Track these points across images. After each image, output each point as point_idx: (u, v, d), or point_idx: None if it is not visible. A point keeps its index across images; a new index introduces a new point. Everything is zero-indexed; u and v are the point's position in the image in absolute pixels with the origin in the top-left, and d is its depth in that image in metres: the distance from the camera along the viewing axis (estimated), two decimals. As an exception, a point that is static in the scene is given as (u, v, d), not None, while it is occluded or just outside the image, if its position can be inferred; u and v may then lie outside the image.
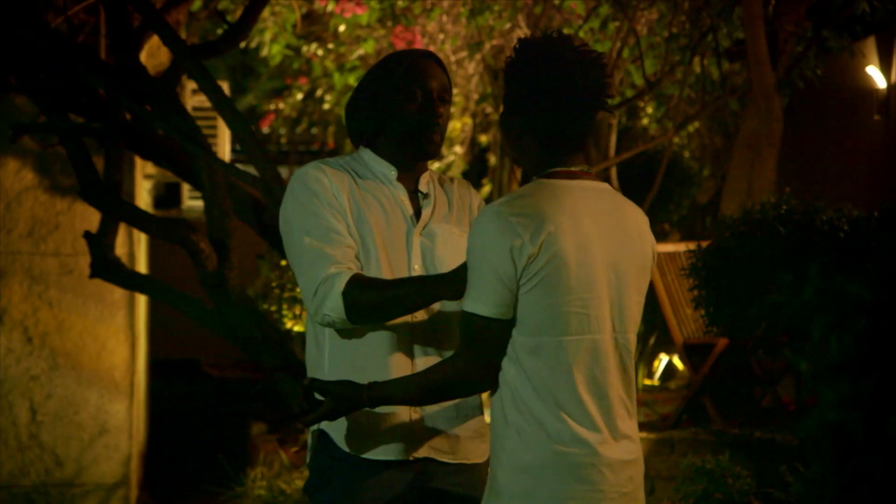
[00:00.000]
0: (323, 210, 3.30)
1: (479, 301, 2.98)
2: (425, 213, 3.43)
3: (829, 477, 2.44)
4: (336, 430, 3.33)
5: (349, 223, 3.32)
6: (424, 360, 3.34)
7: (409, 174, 3.45)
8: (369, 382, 3.12)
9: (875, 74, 10.22)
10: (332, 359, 3.35)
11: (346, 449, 3.32)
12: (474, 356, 3.02)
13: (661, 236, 12.09)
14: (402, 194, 3.42)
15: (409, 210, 3.42)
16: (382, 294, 3.24)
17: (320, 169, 3.36)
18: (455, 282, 3.18)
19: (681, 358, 8.36)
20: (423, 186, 3.47)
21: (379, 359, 3.31)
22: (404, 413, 3.32)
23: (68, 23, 6.48)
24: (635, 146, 9.96)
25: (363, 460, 3.32)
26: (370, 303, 3.24)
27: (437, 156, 3.47)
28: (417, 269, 3.37)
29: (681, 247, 8.48)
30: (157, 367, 9.89)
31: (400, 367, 3.32)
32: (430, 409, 3.35)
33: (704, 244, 6.47)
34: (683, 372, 9.85)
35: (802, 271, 5.48)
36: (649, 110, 11.68)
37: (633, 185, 11.78)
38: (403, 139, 3.40)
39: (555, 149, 3.08)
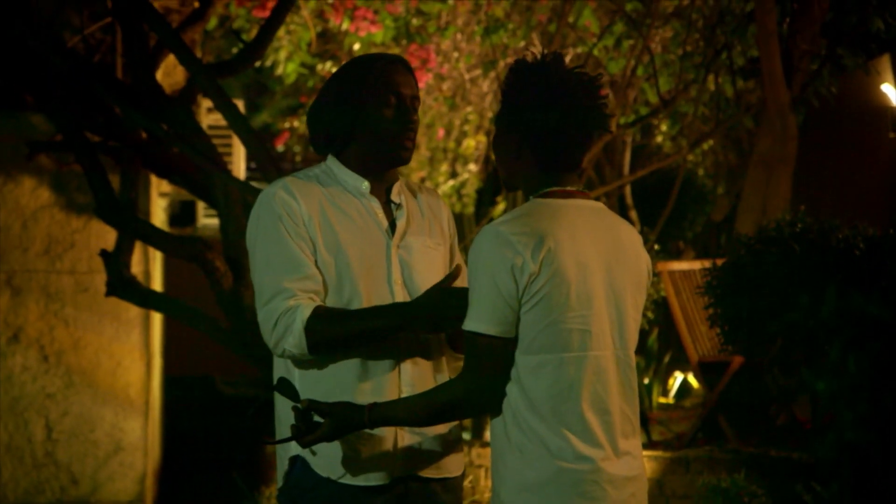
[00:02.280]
0: (287, 237, 3.22)
1: (483, 320, 2.97)
2: (400, 224, 3.35)
3: (848, 496, 2.43)
4: (311, 453, 3.25)
5: (317, 246, 3.24)
6: (412, 381, 3.28)
7: (381, 183, 3.36)
8: (370, 404, 3.07)
9: (890, 92, 10.21)
10: (303, 384, 3.26)
11: (323, 473, 3.24)
12: (481, 376, 3.00)
13: (675, 254, 12.08)
14: (376, 206, 3.34)
15: (384, 223, 3.33)
16: (346, 327, 3.18)
17: (288, 190, 3.26)
18: (422, 311, 3.15)
19: (696, 376, 8.34)
20: (394, 196, 3.38)
21: (355, 384, 3.25)
22: (388, 433, 3.25)
23: (85, 42, 6.52)
24: (650, 164, 9.96)
25: (341, 486, 3.24)
26: (333, 337, 3.18)
27: (408, 161, 3.38)
28: (398, 283, 3.29)
29: (696, 265, 8.46)
30: (172, 384, 9.89)
31: (384, 389, 3.26)
32: (413, 430, 3.27)
33: (719, 262, 6.46)
34: (699, 390, 9.83)
35: (818, 290, 5.48)
36: (664, 128, 11.68)
37: (648, 202, 11.79)
38: (377, 144, 3.32)
39: (551, 168, 3.07)
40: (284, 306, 3.19)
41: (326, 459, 3.24)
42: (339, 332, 3.18)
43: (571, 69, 3.06)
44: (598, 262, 3.04)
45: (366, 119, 3.31)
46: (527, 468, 2.99)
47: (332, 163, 3.38)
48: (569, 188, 3.08)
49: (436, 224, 3.44)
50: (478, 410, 3.09)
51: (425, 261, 3.36)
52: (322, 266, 3.26)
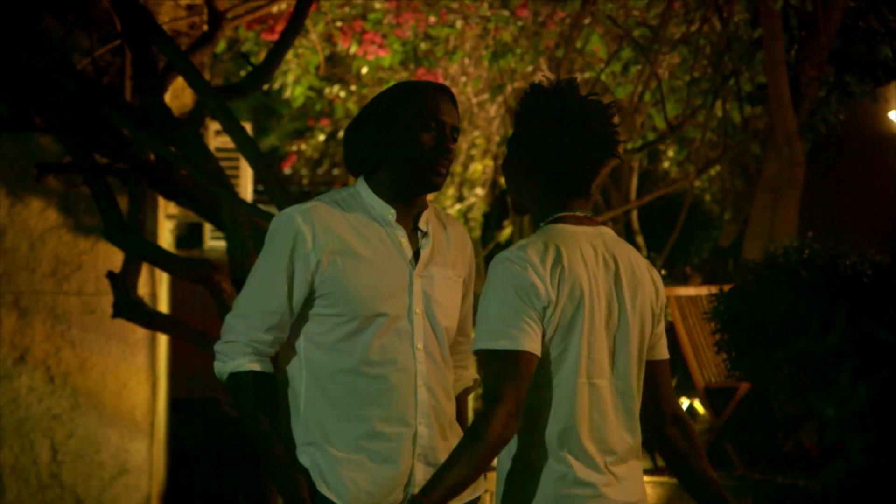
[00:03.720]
0: (280, 274, 3.25)
1: (508, 336, 2.91)
2: (424, 253, 3.34)
3: (857, 523, 2.42)
4: (317, 473, 3.27)
5: (318, 278, 3.25)
6: (428, 398, 3.29)
7: (409, 209, 3.35)
8: (418, 493, 2.91)
9: (897, 119, 10.21)
10: (308, 405, 3.30)
11: (331, 497, 3.25)
12: (508, 396, 2.89)
13: (682, 279, 12.07)
14: (402, 235, 3.33)
15: (409, 252, 3.32)
16: (242, 412, 3.31)
17: (308, 218, 3.26)
18: (280, 482, 3.27)
19: (702, 402, 8.33)
20: (422, 224, 3.37)
21: (369, 411, 3.27)
22: (404, 464, 3.27)
23: (94, 64, 6.53)
24: (657, 189, 9.96)
25: None
26: (238, 403, 3.33)
27: (440, 188, 3.36)
28: (419, 313, 3.29)
29: (703, 290, 8.46)
30: (177, 406, 9.88)
31: (400, 408, 3.27)
32: (423, 456, 3.29)
33: (726, 288, 6.46)
34: (705, 416, 9.80)
35: (826, 316, 5.47)
36: (671, 153, 11.69)
37: (655, 228, 11.78)
38: (410, 169, 3.30)
39: (561, 194, 3.08)
40: (243, 338, 3.31)
41: (333, 480, 3.25)
42: (243, 404, 3.31)
43: (586, 96, 3.07)
44: (605, 289, 3.04)
45: (403, 142, 3.30)
46: (529, 493, 2.99)
47: (360, 186, 3.37)
48: (579, 214, 3.09)
49: (459, 256, 3.44)
50: (510, 434, 2.94)
51: (447, 292, 3.37)
52: (339, 294, 3.26)
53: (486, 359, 2.95)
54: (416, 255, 3.35)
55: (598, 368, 3.01)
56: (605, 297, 3.04)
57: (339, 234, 3.28)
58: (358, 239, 3.29)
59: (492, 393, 2.91)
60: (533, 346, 2.93)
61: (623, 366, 3.07)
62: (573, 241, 3.03)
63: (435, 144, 3.31)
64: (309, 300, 3.28)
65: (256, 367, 3.29)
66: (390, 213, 3.33)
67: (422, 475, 3.28)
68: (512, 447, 3.02)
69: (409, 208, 3.36)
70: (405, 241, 3.34)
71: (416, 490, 3.25)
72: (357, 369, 3.26)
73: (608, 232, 3.13)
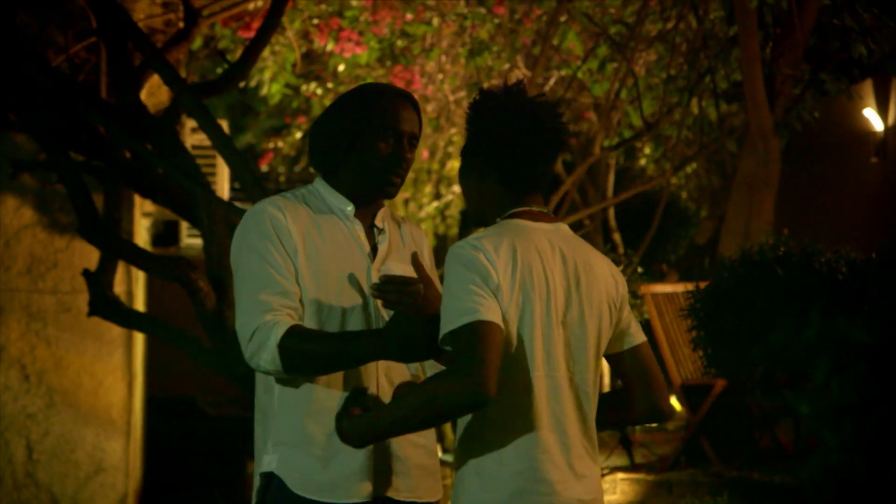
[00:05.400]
0: (271, 252, 3.24)
1: (467, 312, 2.90)
2: (381, 248, 3.38)
3: (831, 520, 2.43)
4: (288, 471, 3.25)
5: (298, 264, 3.26)
6: (389, 389, 3.29)
7: (366, 208, 3.40)
8: (346, 421, 3.03)
9: (872, 117, 10.26)
10: (280, 403, 3.29)
11: (300, 492, 3.24)
12: (476, 365, 2.85)
13: (658, 276, 12.09)
14: (359, 229, 3.37)
15: (367, 246, 3.36)
16: (322, 348, 3.17)
17: (277, 206, 3.29)
18: (393, 339, 3.09)
19: (679, 399, 8.35)
20: (378, 221, 3.42)
21: (332, 396, 3.25)
22: (362, 453, 3.25)
23: (69, 61, 6.51)
24: (633, 187, 9.98)
25: None
26: (308, 357, 3.17)
27: (394, 196, 3.43)
28: (377, 305, 3.30)
29: (679, 287, 8.48)
30: (153, 404, 9.86)
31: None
32: (387, 448, 3.28)
33: (703, 285, 6.47)
34: (681, 413, 9.82)
35: (802, 313, 5.49)
36: (647, 151, 11.72)
37: (631, 225, 11.81)
38: (366, 175, 3.35)
39: (517, 191, 3.12)
40: (261, 321, 3.19)
41: (302, 477, 3.25)
42: (313, 352, 3.17)
43: (535, 96, 3.14)
44: (561, 284, 3.05)
45: (361, 148, 3.34)
46: (483, 491, 2.99)
47: (319, 184, 3.41)
48: (535, 209, 3.12)
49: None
50: (476, 402, 2.89)
51: None
52: (302, 284, 3.27)
53: (452, 340, 2.93)
54: (374, 250, 3.38)
55: (555, 362, 3.03)
56: (563, 291, 3.05)
57: (304, 224, 3.31)
58: (317, 231, 3.32)
59: (462, 362, 2.88)
60: (494, 317, 2.91)
61: (580, 360, 3.07)
62: (528, 235, 3.06)
63: (390, 154, 3.34)
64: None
65: (288, 324, 3.19)
66: (349, 207, 3.37)
67: (388, 467, 3.29)
68: (470, 441, 3.02)
69: (366, 207, 3.40)
70: (363, 236, 3.37)
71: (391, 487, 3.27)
72: None
73: (564, 228, 3.16)
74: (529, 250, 3.03)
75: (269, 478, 3.29)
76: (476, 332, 2.89)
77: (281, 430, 3.29)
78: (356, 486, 3.26)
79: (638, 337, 3.20)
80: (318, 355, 3.17)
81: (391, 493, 3.31)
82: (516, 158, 3.10)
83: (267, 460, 3.28)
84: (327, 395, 3.26)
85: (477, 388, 2.84)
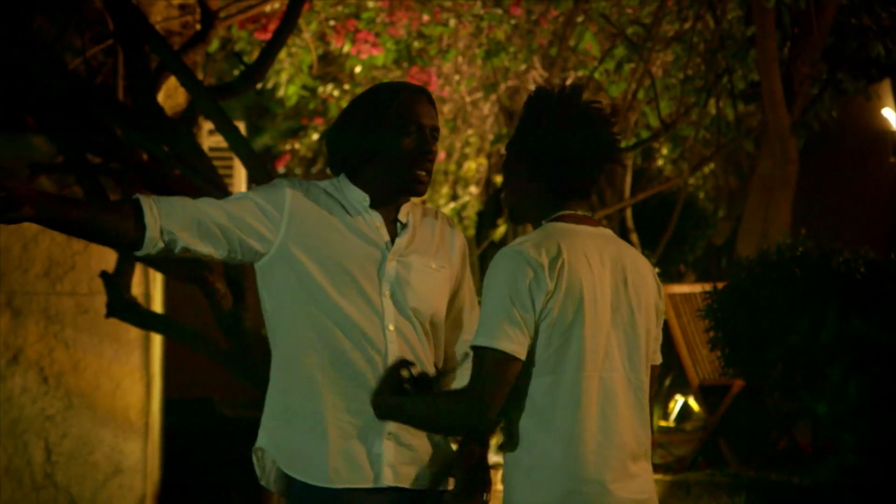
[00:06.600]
0: (252, 208, 3.27)
1: (493, 335, 2.96)
2: (400, 240, 3.36)
3: (849, 521, 2.42)
4: (296, 462, 3.29)
5: (286, 241, 3.27)
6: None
7: (390, 205, 3.38)
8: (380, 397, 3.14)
9: (890, 116, 10.23)
10: (269, 396, 3.35)
11: (306, 480, 3.27)
12: (484, 396, 2.96)
13: (676, 277, 12.07)
14: (378, 221, 3.35)
15: (385, 237, 3.35)
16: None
17: (295, 186, 3.33)
18: None
19: (696, 399, 8.34)
20: (402, 216, 3.40)
21: (343, 382, 3.28)
22: (375, 441, 3.26)
23: (86, 64, 6.53)
24: (650, 187, 9.97)
25: (328, 490, 3.24)
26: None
27: (423, 194, 3.41)
28: (386, 296, 3.30)
29: (696, 288, 8.46)
30: (171, 406, 9.87)
31: (371, 387, 3.26)
32: (399, 436, 3.28)
33: (720, 285, 6.46)
34: (699, 413, 9.81)
35: (819, 314, 5.47)
36: (664, 151, 11.69)
37: (649, 225, 11.78)
38: (392, 172, 3.33)
39: (563, 195, 3.13)
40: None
41: (311, 468, 3.26)
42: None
43: (589, 102, 3.13)
44: (609, 286, 3.07)
45: (384, 145, 3.33)
46: (535, 492, 3.00)
47: (341, 180, 3.40)
48: (579, 213, 3.13)
49: (444, 250, 3.44)
50: (475, 428, 3.10)
51: (425, 281, 3.36)
52: (306, 271, 3.27)
53: (476, 353, 3.00)
54: (394, 242, 3.37)
55: (609, 362, 3.04)
56: (611, 292, 3.07)
57: (318, 210, 3.32)
58: (332, 219, 3.33)
59: (474, 387, 2.99)
60: (517, 349, 2.97)
61: (635, 360, 3.09)
62: (574, 237, 3.07)
63: (415, 147, 3.33)
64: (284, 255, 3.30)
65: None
66: (365, 199, 3.36)
67: (392, 455, 3.27)
68: (521, 441, 3.02)
69: (389, 205, 3.39)
70: (382, 227, 3.36)
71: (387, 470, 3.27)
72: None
73: (608, 232, 3.18)
74: (575, 252, 3.04)
75: (290, 482, 3.33)
76: (495, 360, 2.97)
77: (274, 407, 3.38)
78: (370, 472, 3.26)
79: (657, 358, 3.21)
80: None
81: (405, 484, 3.30)
82: (566, 166, 3.11)
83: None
84: (330, 376, 3.28)
85: (479, 414, 2.97)
